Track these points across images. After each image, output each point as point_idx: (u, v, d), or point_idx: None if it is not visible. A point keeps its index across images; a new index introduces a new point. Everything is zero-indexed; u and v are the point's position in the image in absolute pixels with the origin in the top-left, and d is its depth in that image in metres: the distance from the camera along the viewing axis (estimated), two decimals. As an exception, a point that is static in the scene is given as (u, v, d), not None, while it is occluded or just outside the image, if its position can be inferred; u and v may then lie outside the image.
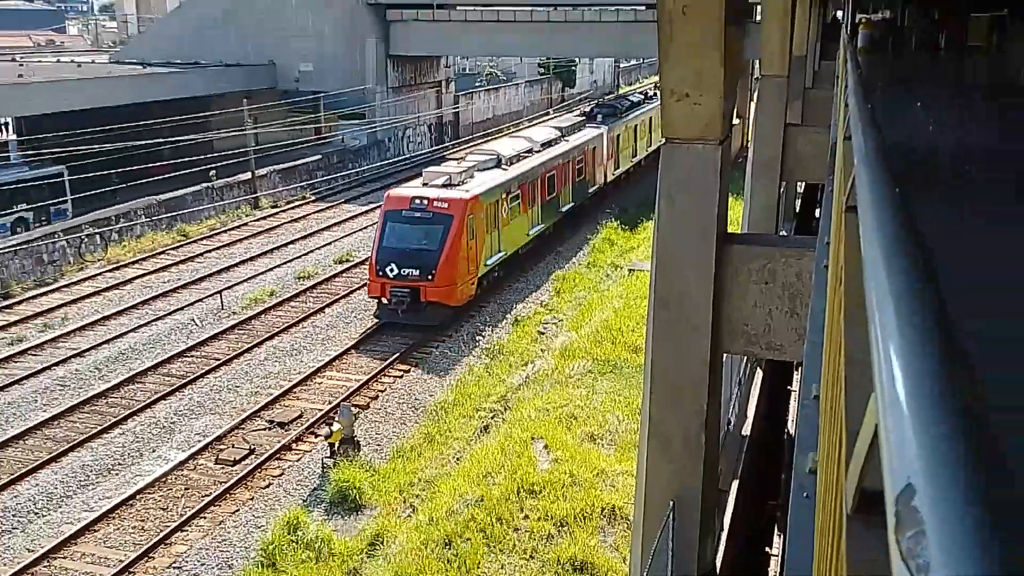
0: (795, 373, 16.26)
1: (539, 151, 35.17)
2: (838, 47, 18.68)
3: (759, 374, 19.43)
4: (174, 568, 15.92)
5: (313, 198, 43.05)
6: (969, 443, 0.79)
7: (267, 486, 18.51)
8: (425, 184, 29.23)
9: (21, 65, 51.18)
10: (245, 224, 38.84)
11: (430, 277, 26.22)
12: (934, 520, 0.69)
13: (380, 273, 26.66)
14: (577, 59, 77.07)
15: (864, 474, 1.27)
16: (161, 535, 16.35)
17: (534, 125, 48.32)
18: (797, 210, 31.27)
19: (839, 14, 39.86)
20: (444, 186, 28.37)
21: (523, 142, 35.78)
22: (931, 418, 0.84)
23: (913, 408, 0.87)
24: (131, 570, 15.56)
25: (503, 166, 31.97)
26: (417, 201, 27.45)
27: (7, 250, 30.47)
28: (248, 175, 40.95)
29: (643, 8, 45.43)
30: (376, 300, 27.30)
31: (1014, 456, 0.95)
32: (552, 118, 51.91)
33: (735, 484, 14.71)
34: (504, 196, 30.54)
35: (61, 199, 35.89)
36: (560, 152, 36.49)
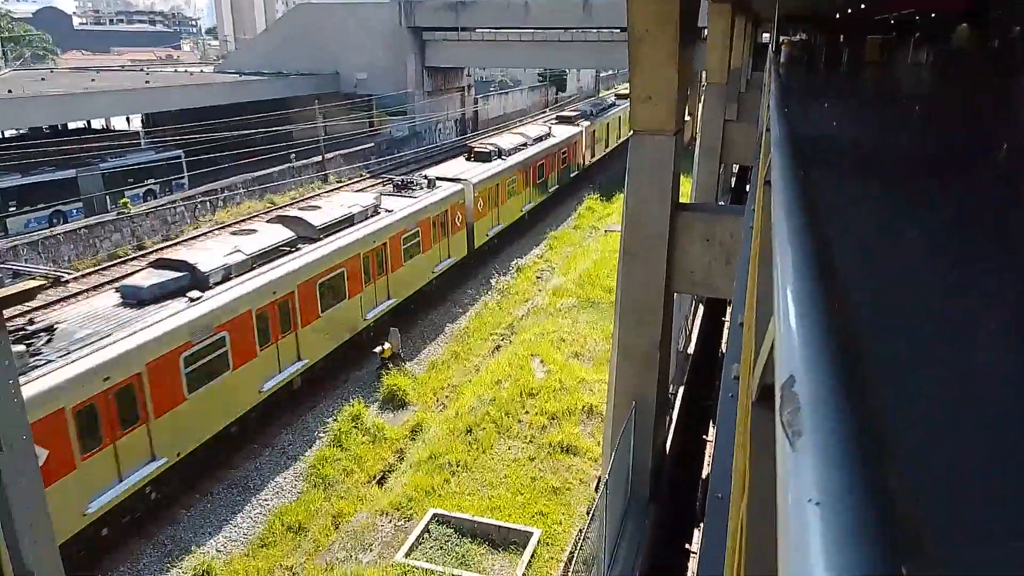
0: (728, 308, 16.31)
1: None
2: (765, 62, 18.40)
3: (701, 309, 19.49)
4: (271, 447, 16.21)
5: (368, 175, 42.76)
6: (834, 349, 0.84)
7: (336, 388, 18.74)
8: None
9: (148, 74, 50.62)
10: (317, 195, 38.68)
11: None
12: (806, 399, 0.73)
13: None
14: (567, 69, 76.02)
15: (764, 373, 1.32)
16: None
17: (527, 123, 47.35)
18: (732, 186, 31.03)
19: (766, 36, 39.15)
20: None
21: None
22: (808, 331, 0.89)
23: (798, 324, 0.92)
24: (252, 444, 15.82)
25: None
26: None
27: (141, 213, 30.50)
28: (319, 158, 40.67)
29: (618, 31, 44.72)
30: None
31: (870, 361, 1.00)
32: (544, 117, 51.29)
33: (681, 389, 14.86)
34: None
35: (179, 175, 35.63)
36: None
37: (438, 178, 25.69)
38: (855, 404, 0.68)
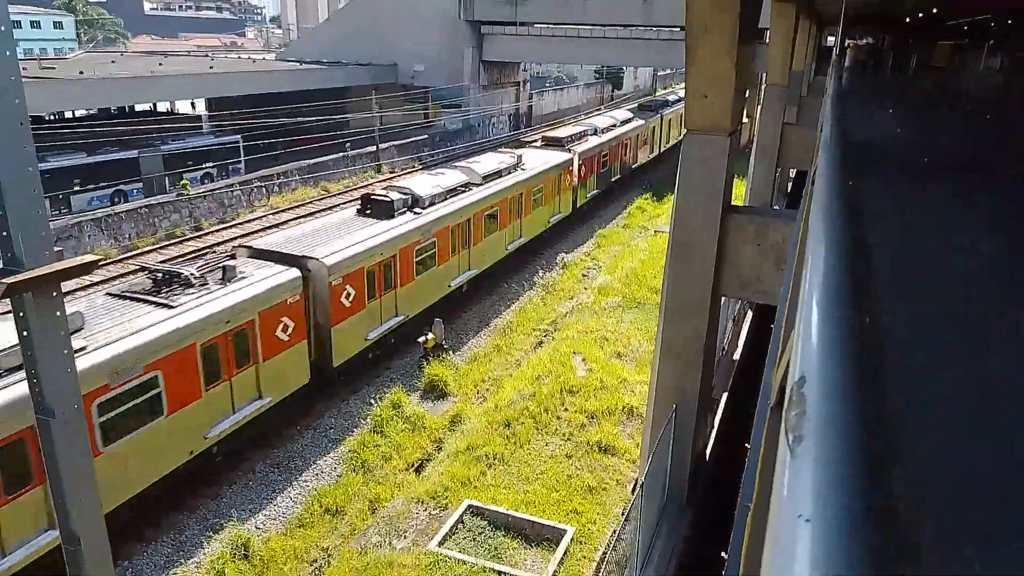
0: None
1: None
2: (829, 64, 17.91)
3: (750, 314, 19.11)
4: (313, 429, 16.49)
5: (420, 167, 43.09)
6: (852, 351, 0.78)
7: (378, 376, 18.95)
8: None
9: (212, 60, 51.86)
10: (369, 184, 39.13)
11: None
12: (813, 401, 0.67)
13: None
14: (624, 67, 75.29)
15: (785, 376, 1.26)
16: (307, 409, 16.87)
17: (594, 116, 48.27)
18: (788, 190, 30.36)
19: (832, 39, 38.12)
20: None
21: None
22: (829, 331, 0.83)
23: (819, 323, 0.86)
24: (299, 426, 16.14)
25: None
26: None
27: (199, 195, 31.31)
28: (373, 148, 41.13)
29: (677, 28, 44.09)
30: None
31: (889, 369, 0.94)
32: (606, 112, 51.11)
33: (725, 395, 14.59)
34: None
35: (237, 160, 36.39)
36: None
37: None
38: (866, 412, 0.62)
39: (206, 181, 34.42)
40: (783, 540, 0.49)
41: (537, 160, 28.53)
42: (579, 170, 31.73)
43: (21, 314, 6.17)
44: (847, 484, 0.53)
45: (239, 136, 36.50)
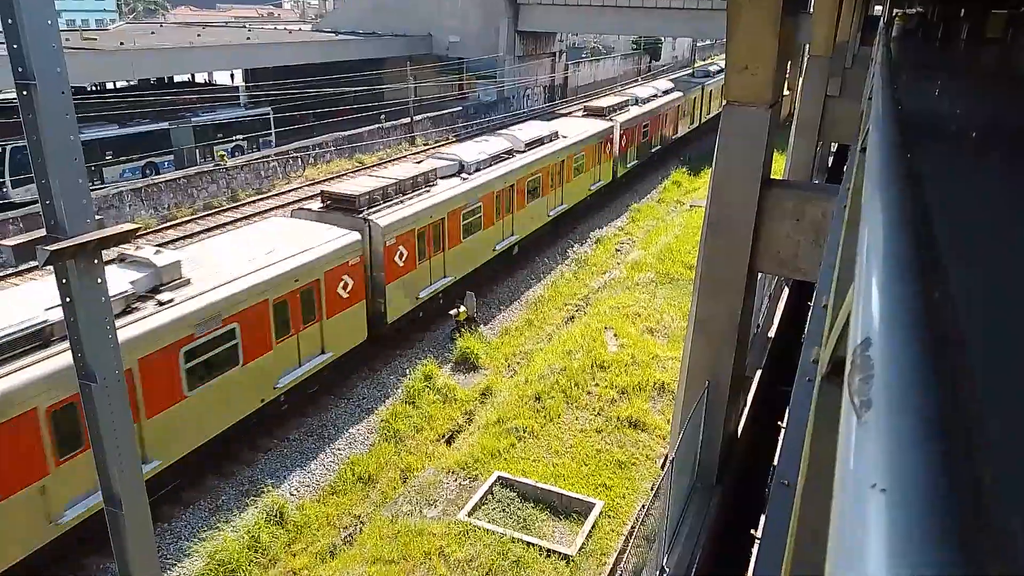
0: (814, 292, 15.66)
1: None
2: (875, 36, 17.35)
3: (785, 291, 18.82)
4: (347, 399, 16.72)
5: (454, 139, 42.96)
6: (920, 313, 0.74)
7: (411, 348, 19.10)
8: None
9: (249, 31, 52.07)
10: (404, 156, 39.17)
11: None
12: (882, 365, 0.63)
13: None
14: (662, 38, 73.92)
15: (838, 346, 1.21)
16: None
17: (635, 86, 48.01)
18: (829, 165, 29.67)
19: (878, 9, 36.91)
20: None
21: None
22: (894, 293, 0.78)
23: (882, 285, 0.82)
24: (334, 395, 16.41)
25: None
26: None
27: (236, 166, 31.63)
28: (408, 120, 41.10)
29: (718, -1, 43.15)
30: None
31: (960, 329, 0.89)
32: (646, 83, 50.39)
33: (759, 373, 14.44)
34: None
35: (267, 132, 36.18)
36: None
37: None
38: (940, 375, 0.57)
39: (237, 154, 34.31)
40: (852, 511, 0.45)
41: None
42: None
43: (64, 281, 6.31)
44: (923, 451, 0.49)
45: (270, 108, 36.36)
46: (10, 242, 6.29)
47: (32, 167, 6.09)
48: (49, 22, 5.80)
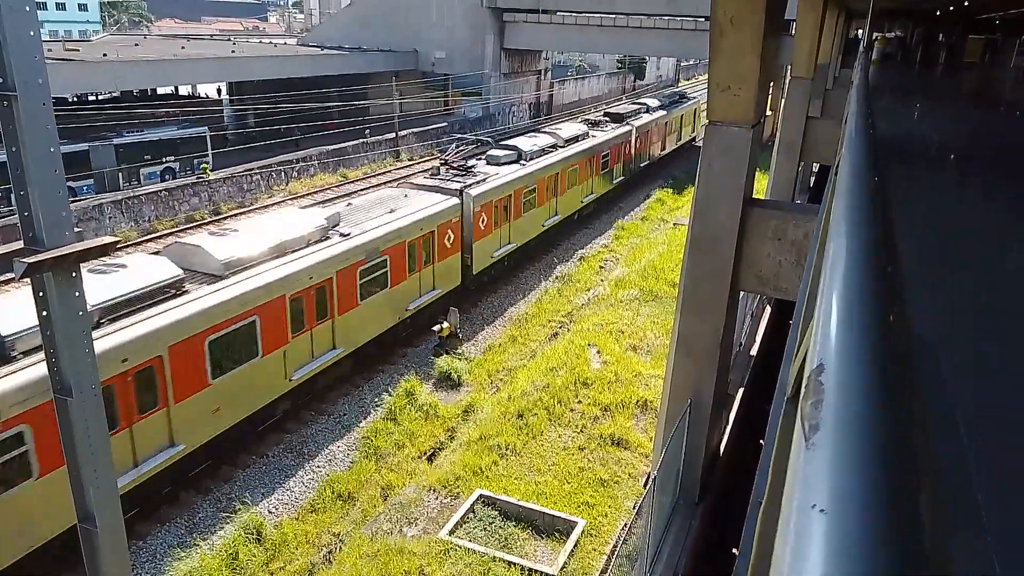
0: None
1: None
2: (855, 58, 17.64)
3: (768, 309, 18.97)
4: (327, 415, 16.60)
5: (438, 153, 43.12)
6: (873, 339, 0.76)
7: (393, 364, 19.02)
8: None
9: (234, 44, 52.08)
10: (388, 171, 39.22)
11: None
12: (832, 389, 0.65)
13: None
14: (647, 57, 74.76)
15: (801, 367, 1.23)
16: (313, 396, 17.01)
17: (621, 103, 49.93)
18: (811, 185, 30.04)
19: (860, 32, 37.57)
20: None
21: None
22: (848, 318, 0.81)
23: (839, 309, 0.84)
24: (313, 411, 16.28)
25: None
26: None
27: (217, 180, 31.50)
28: (393, 135, 41.18)
29: (702, 19, 43.70)
30: None
31: (911, 359, 0.91)
32: (647, 97, 51.12)
33: (741, 391, 14.51)
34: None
35: (203, 153, 33.01)
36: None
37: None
38: (885, 403, 0.60)
39: (167, 177, 31.30)
40: (796, 531, 0.47)
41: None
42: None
43: (41, 293, 6.25)
44: (864, 475, 0.51)
45: (206, 128, 33.64)
46: (-14, 254, 6.24)
47: (11, 178, 6.05)
48: (32, 33, 5.78)
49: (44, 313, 6.30)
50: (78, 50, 36.28)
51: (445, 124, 46.17)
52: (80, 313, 6.47)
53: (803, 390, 0.70)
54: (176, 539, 12.65)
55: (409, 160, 41.04)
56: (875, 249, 1.04)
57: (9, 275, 6.25)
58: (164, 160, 31.72)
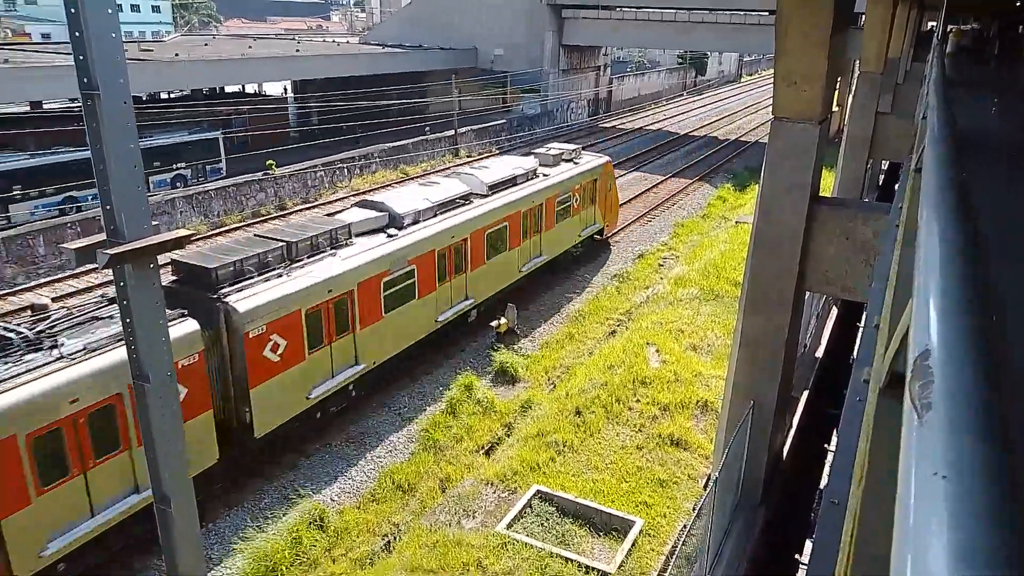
0: (863, 312, 15.36)
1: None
2: (928, 52, 17.05)
3: (834, 311, 18.50)
4: (390, 407, 16.90)
5: (497, 151, 43.29)
6: (974, 324, 0.77)
7: (451, 359, 19.24)
8: None
9: (298, 43, 53.32)
10: (447, 168, 39.58)
11: None
12: (940, 370, 0.68)
13: None
14: (708, 52, 73.54)
15: (895, 360, 1.23)
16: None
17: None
18: (880, 183, 29.11)
19: (932, 24, 36.20)
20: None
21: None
22: (949, 305, 0.82)
23: (938, 298, 0.85)
24: (372, 409, 16.63)
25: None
26: None
27: (283, 176, 32.32)
28: (452, 132, 41.56)
29: (766, 13, 42.75)
30: None
31: (1009, 340, 0.91)
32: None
33: (805, 393, 14.21)
34: None
35: (215, 159, 32.22)
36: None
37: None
38: (991, 378, 0.62)
39: (178, 184, 30.02)
40: (917, 497, 0.50)
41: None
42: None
43: (121, 284, 6.55)
44: (977, 444, 0.54)
45: (219, 132, 32.58)
46: (72, 245, 6.57)
47: (95, 174, 6.36)
48: (113, 35, 6.06)
49: (124, 302, 6.60)
50: (152, 50, 37.70)
51: (503, 121, 46.36)
52: (156, 303, 6.75)
53: (910, 375, 0.73)
54: (243, 523, 13.09)
55: (468, 156, 41.37)
56: (970, 244, 1.04)
57: (93, 265, 6.56)
58: (175, 167, 30.51)
